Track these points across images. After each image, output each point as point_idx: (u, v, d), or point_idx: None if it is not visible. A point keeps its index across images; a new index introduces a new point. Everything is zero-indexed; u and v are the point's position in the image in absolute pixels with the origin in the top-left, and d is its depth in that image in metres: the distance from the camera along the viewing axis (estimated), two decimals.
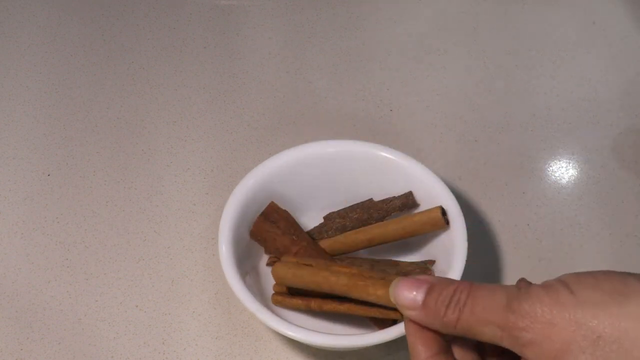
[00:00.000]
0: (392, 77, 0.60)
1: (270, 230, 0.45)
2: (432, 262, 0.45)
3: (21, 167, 0.54)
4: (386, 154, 0.47)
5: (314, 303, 0.42)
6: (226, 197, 0.46)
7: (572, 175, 0.54)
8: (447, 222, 0.44)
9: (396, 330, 0.39)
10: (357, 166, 0.48)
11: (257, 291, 0.45)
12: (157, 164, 0.54)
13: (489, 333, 0.32)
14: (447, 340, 0.35)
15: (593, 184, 0.53)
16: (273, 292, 0.45)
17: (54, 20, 0.63)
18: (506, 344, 0.32)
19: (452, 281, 0.34)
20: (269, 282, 0.46)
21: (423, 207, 0.46)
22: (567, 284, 0.31)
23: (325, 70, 0.60)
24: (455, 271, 0.42)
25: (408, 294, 0.34)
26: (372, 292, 0.39)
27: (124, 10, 0.64)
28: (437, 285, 0.34)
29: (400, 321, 0.40)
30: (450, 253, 0.43)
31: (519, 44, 0.62)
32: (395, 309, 0.38)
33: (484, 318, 0.32)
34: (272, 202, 0.46)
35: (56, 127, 0.56)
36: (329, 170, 0.48)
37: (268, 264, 0.47)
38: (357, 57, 0.61)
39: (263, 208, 0.46)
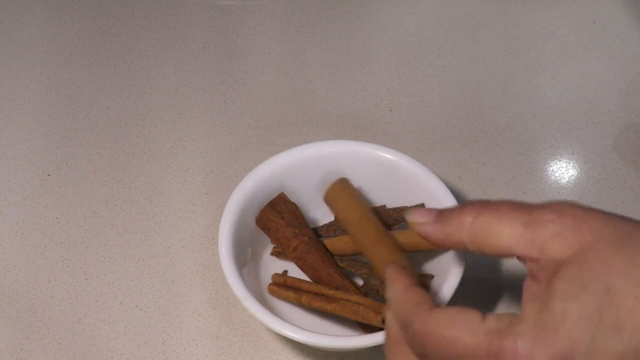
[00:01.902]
0: (392, 77, 0.60)
1: (275, 221, 0.45)
2: (431, 276, 0.45)
3: (21, 167, 0.54)
4: (389, 155, 0.47)
5: (305, 298, 0.43)
6: (226, 197, 0.46)
7: (572, 175, 0.54)
8: None
9: None
10: (358, 167, 0.48)
11: (255, 282, 0.45)
12: (157, 164, 0.54)
13: (507, 233, 0.30)
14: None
15: (593, 184, 0.53)
16: (271, 281, 0.45)
17: (54, 20, 0.63)
18: (521, 247, 0.30)
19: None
20: (269, 271, 0.46)
21: None
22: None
23: (325, 70, 0.60)
24: (449, 287, 0.41)
25: (422, 213, 0.34)
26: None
27: (124, 10, 0.64)
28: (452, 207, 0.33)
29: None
30: (446, 272, 0.43)
31: (519, 44, 0.62)
32: (379, 314, 0.39)
33: (508, 214, 0.30)
34: (282, 193, 0.46)
35: (56, 127, 0.56)
36: (329, 171, 0.48)
37: (272, 254, 0.47)
38: (357, 57, 0.61)
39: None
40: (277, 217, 0.45)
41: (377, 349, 0.45)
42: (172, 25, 0.63)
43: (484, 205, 0.32)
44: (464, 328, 0.30)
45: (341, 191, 0.44)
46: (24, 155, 0.55)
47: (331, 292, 0.42)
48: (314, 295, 0.43)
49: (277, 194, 0.46)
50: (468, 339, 0.30)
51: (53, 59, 0.61)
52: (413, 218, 0.34)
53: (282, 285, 0.45)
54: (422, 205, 0.46)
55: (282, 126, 0.56)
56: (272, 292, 0.45)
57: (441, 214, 0.33)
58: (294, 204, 0.46)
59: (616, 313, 0.27)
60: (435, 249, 0.44)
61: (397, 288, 0.34)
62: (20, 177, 0.53)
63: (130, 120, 0.57)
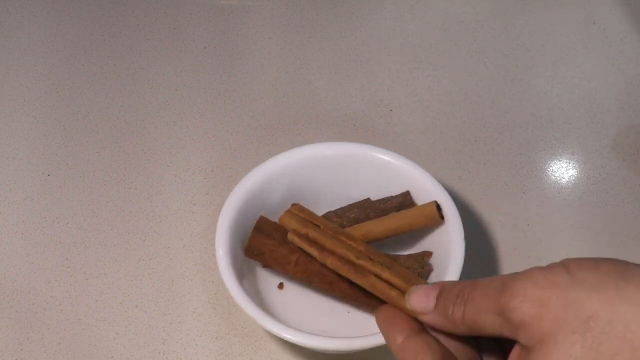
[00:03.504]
0: (392, 77, 0.60)
1: (267, 243, 0.44)
2: (430, 254, 0.45)
3: (21, 167, 0.54)
4: (383, 156, 0.47)
5: (331, 261, 0.41)
6: (226, 197, 0.46)
7: (572, 175, 0.54)
8: (442, 217, 0.44)
9: None
10: (356, 168, 0.48)
11: (254, 293, 0.45)
12: (157, 164, 0.54)
13: (490, 323, 0.31)
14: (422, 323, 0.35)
15: (593, 184, 0.53)
16: (291, 229, 0.43)
17: (54, 20, 0.63)
18: (505, 331, 0.31)
19: (459, 282, 0.34)
20: (266, 284, 0.46)
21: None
22: (565, 266, 0.30)
23: (325, 70, 0.60)
24: (454, 267, 0.42)
25: (420, 301, 0.35)
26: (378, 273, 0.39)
27: (124, 10, 0.64)
28: (446, 287, 0.34)
29: None
30: (447, 248, 0.43)
31: (518, 44, 0.62)
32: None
33: (483, 306, 0.31)
34: (262, 216, 0.45)
35: (56, 127, 0.56)
36: (327, 172, 0.48)
37: (264, 266, 0.47)
38: (357, 57, 0.61)
39: (261, 209, 0.46)
40: (268, 239, 0.44)
41: (376, 350, 0.45)
42: (172, 25, 0.63)
43: (464, 295, 0.33)
44: None
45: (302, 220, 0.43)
46: (24, 155, 0.55)
47: (360, 262, 0.40)
48: (341, 260, 0.40)
49: (259, 214, 0.45)
50: None
51: (53, 59, 0.61)
52: (414, 306, 0.35)
53: (304, 238, 0.42)
54: (408, 193, 0.46)
55: (282, 126, 0.56)
56: (292, 240, 0.43)
57: (437, 307, 0.34)
58: (275, 223, 0.45)
59: None
60: (431, 226, 0.45)
61: (395, 339, 0.35)
62: (20, 177, 0.53)
63: (130, 120, 0.57)
